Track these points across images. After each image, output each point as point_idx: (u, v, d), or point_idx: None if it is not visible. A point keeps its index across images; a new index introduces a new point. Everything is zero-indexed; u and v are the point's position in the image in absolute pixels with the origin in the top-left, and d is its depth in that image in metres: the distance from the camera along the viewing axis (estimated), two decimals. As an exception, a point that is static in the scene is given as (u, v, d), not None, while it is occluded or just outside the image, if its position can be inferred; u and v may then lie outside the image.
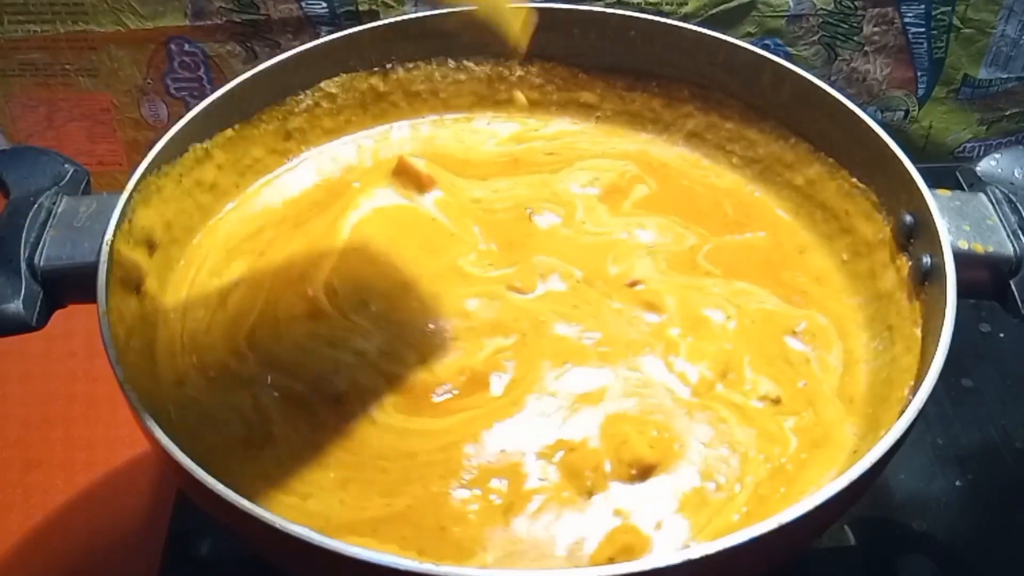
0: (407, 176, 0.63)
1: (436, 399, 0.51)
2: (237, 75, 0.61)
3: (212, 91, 0.60)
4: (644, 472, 0.49)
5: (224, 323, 0.56)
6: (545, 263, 0.58)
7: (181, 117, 0.58)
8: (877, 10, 0.82)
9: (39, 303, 0.50)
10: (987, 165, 0.57)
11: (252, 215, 0.62)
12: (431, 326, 0.55)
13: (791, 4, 0.81)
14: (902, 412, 0.45)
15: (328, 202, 0.63)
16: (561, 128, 0.69)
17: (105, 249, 0.50)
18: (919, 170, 0.55)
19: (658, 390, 0.52)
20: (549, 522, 0.47)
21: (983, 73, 0.85)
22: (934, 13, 0.82)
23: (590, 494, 0.48)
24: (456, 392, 0.52)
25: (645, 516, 0.47)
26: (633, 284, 0.57)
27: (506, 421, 0.50)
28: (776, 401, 0.52)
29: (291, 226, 0.62)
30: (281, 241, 0.61)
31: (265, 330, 0.55)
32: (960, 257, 0.51)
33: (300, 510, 0.47)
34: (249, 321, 0.56)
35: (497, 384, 0.52)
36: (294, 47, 0.64)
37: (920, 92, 0.87)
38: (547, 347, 0.54)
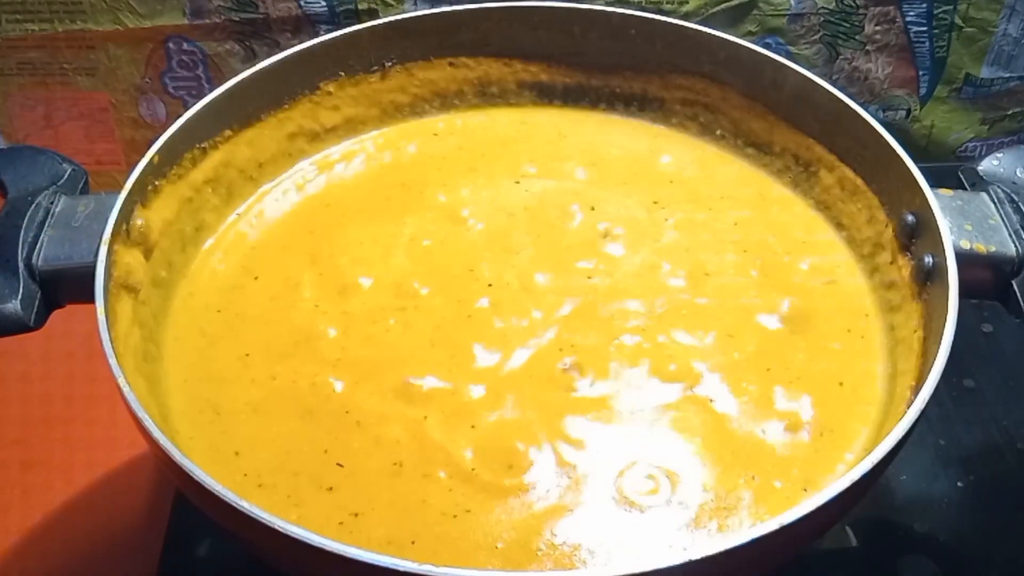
0: None
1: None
2: (236, 74, 0.61)
3: (211, 90, 0.60)
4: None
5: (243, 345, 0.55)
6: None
7: (180, 116, 0.58)
8: (879, 9, 0.82)
9: (37, 303, 0.50)
10: (989, 164, 0.56)
11: (265, 226, 0.62)
12: None
13: (792, 3, 0.81)
14: (904, 413, 0.44)
15: (373, 205, 0.63)
16: (564, 124, 0.69)
17: (103, 249, 0.50)
18: (921, 169, 0.54)
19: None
20: None
21: (985, 72, 0.85)
22: (936, 12, 0.82)
23: None
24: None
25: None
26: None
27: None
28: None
29: (303, 233, 0.61)
30: (288, 262, 0.60)
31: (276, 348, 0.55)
32: (962, 257, 0.51)
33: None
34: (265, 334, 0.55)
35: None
36: (293, 46, 0.63)
37: (922, 91, 0.87)
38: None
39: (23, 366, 0.74)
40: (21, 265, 0.50)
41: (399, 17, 0.66)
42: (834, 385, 0.53)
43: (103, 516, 0.66)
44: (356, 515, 0.47)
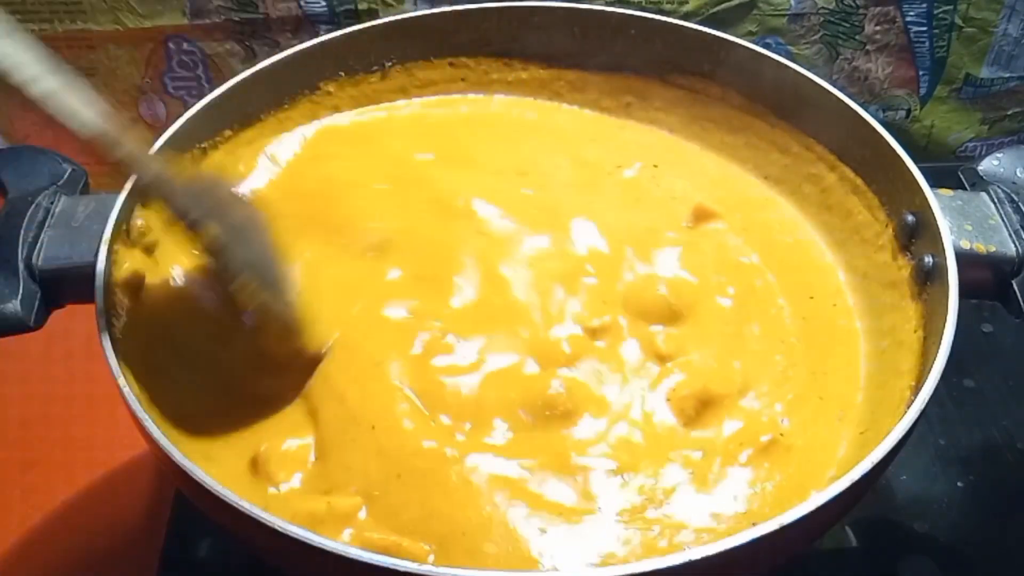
0: None
1: None
2: (236, 74, 0.61)
3: (211, 90, 0.60)
4: None
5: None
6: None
7: (179, 116, 0.58)
8: (879, 9, 0.82)
9: (37, 303, 0.50)
10: (989, 164, 0.57)
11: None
12: None
13: (792, 3, 0.81)
14: (904, 413, 0.44)
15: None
16: (564, 123, 0.69)
17: (103, 249, 0.50)
18: (921, 169, 0.55)
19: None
20: None
21: (985, 72, 0.85)
22: (936, 12, 0.82)
23: None
24: None
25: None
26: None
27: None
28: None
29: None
30: None
31: None
32: (962, 257, 0.51)
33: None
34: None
35: None
36: (293, 46, 0.63)
37: (922, 91, 0.87)
38: None
39: (23, 366, 0.74)
40: (21, 265, 0.50)
41: (399, 17, 0.67)
42: (834, 385, 0.53)
43: (103, 516, 0.66)
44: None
